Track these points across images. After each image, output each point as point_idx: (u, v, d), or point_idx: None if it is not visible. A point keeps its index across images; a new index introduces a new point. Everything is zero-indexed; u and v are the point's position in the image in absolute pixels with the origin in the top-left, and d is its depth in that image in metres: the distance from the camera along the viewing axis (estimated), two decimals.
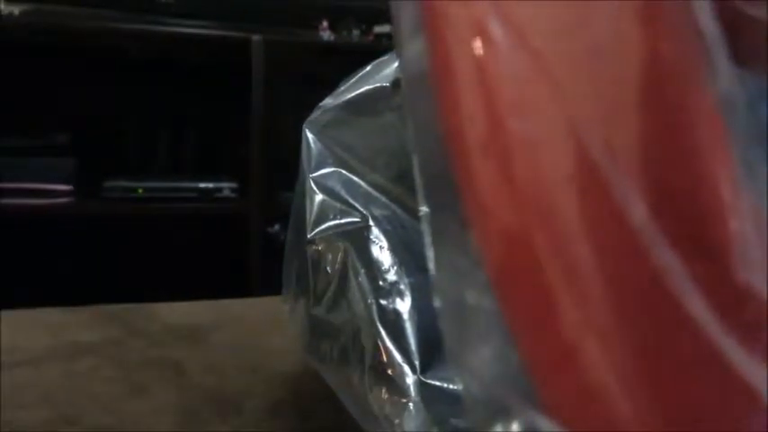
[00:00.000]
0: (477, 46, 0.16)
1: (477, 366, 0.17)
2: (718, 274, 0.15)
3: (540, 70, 0.16)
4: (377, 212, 0.33)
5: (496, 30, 0.16)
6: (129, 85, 2.05)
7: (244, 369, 0.45)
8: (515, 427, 0.17)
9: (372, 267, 0.31)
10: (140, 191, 1.87)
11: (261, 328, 0.54)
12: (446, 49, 0.17)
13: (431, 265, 0.18)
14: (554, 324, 0.15)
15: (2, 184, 1.73)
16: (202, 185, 1.92)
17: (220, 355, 0.48)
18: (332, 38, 2.03)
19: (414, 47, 0.18)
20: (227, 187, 1.93)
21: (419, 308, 0.30)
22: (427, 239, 0.19)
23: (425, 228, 0.19)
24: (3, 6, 1.77)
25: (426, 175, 0.19)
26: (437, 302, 0.18)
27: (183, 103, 2.10)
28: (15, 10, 1.79)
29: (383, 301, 0.30)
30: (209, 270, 2.07)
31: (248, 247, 1.92)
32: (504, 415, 0.17)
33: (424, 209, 0.19)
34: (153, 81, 2.06)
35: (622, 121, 0.15)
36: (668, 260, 0.14)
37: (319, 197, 0.35)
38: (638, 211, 0.14)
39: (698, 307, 0.14)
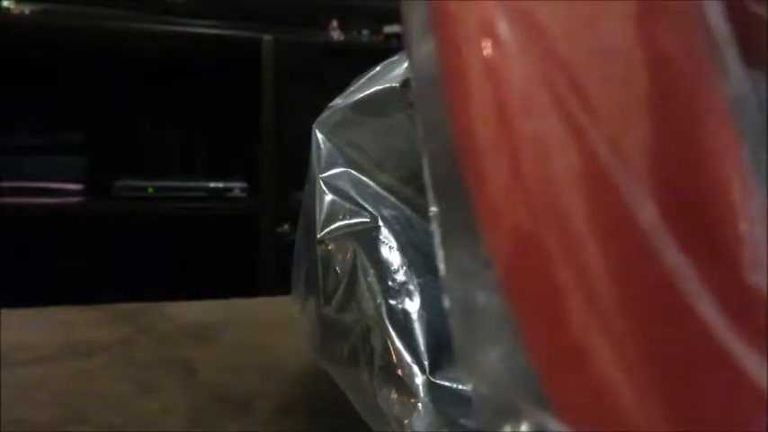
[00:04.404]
0: (487, 46, 0.16)
1: (487, 367, 0.17)
2: (727, 276, 0.15)
3: (549, 70, 0.15)
4: (386, 213, 0.33)
5: (506, 30, 0.16)
6: (140, 84, 2.05)
7: (254, 368, 0.45)
8: (525, 427, 0.17)
9: (382, 267, 0.31)
10: (151, 190, 1.88)
11: (271, 327, 0.54)
12: (456, 49, 0.17)
13: (440, 266, 0.18)
14: (564, 324, 0.15)
15: (13, 183, 1.75)
16: (213, 185, 1.93)
17: (231, 355, 0.48)
18: (342, 38, 2.03)
19: (424, 47, 0.18)
20: (237, 187, 1.94)
21: (428, 308, 0.30)
22: (437, 239, 0.19)
23: (435, 228, 0.19)
24: (14, 6, 1.78)
25: (436, 175, 0.19)
26: (446, 303, 0.18)
27: (193, 103, 2.11)
28: (26, 9, 1.79)
29: (392, 302, 0.30)
30: (219, 269, 2.07)
31: (258, 246, 1.92)
32: (514, 415, 0.17)
33: (433, 209, 0.19)
34: (164, 81, 2.07)
35: (632, 121, 0.15)
36: (678, 261, 0.14)
37: (329, 197, 0.35)
38: (648, 211, 0.14)
39: (707, 308, 0.14)
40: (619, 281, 0.15)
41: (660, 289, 0.15)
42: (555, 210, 0.15)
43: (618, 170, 0.15)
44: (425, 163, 0.19)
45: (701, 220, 0.15)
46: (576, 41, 0.16)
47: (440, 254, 0.18)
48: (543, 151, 0.15)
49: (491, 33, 0.16)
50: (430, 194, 0.19)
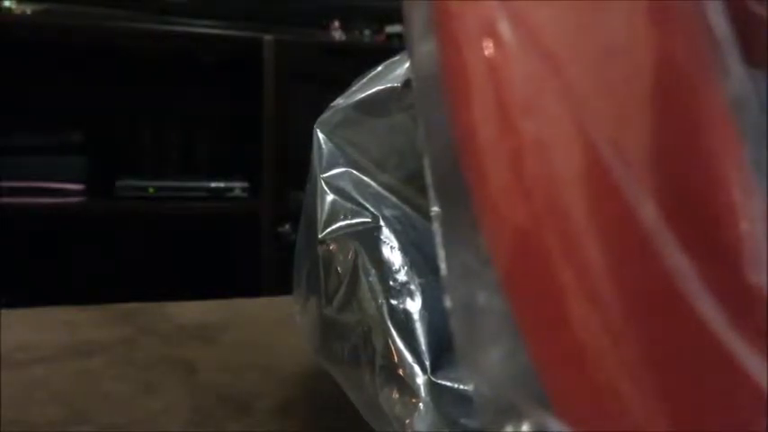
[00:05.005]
0: (489, 46, 0.16)
1: (488, 366, 0.17)
2: (728, 276, 0.15)
3: (551, 71, 0.16)
4: (387, 213, 0.33)
5: (508, 30, 0.16)
6: (142, 84, 2.05)
7: (255, 368, 0.45)
8: (525, 427, 0.17)
9: (383, 267, 0.31)
10: (152, 190, 1.88)
11: (272, 327, 0.54)
12: (457, 49, 0.17)
13: (441, 266, 0.19)
14: (564, 324, 0.15)
15: (13, 183, 1.74)
16: (214, 185, 1.93)
17: (232, 355, 0.48)
18: (343, 38, 2.03)
19: (425, 47, 0.18)
20: (238, 187, 1.94)
21: (430, 308, 0.30)
22: (438, 239, 0.19)
23: (436, 228, 0.19)
24: (15, 6, 1.78)
25: (437, 175, 0.19)
26: (448, 303, 0.18)
27: (194, 103, 2.11)
28: (28, 9, 1.80)
29: (394, 302, 0.30)
30: (220, 269, 2.07)
31: (259, 246, 1.92)
32: (515, 415, 0.17)
33: (435, 209, 0.19)
34: (165, 80, 2.07)
35: (634, 121, 0.15)
36: (679, 261, 0.14)
37: (330, 197, 0.35)
38: (649, 211, 0.14)
39: (708, 308, 0.14)
40: (620, 280, 0.15)
41: (661, 288, 0.15)
42: (555, 210, 0.15)
43: (618, 170, 0.15)
44: (427, 163, 0.19)
45: (701, 219, 0.15)
46: (577, 41, 0.16)
47: (441, 253, 0.18)
48: (544, 151, 0.15)
49: (492, 33, 0.16)
50: (431, 194, 0.19)
